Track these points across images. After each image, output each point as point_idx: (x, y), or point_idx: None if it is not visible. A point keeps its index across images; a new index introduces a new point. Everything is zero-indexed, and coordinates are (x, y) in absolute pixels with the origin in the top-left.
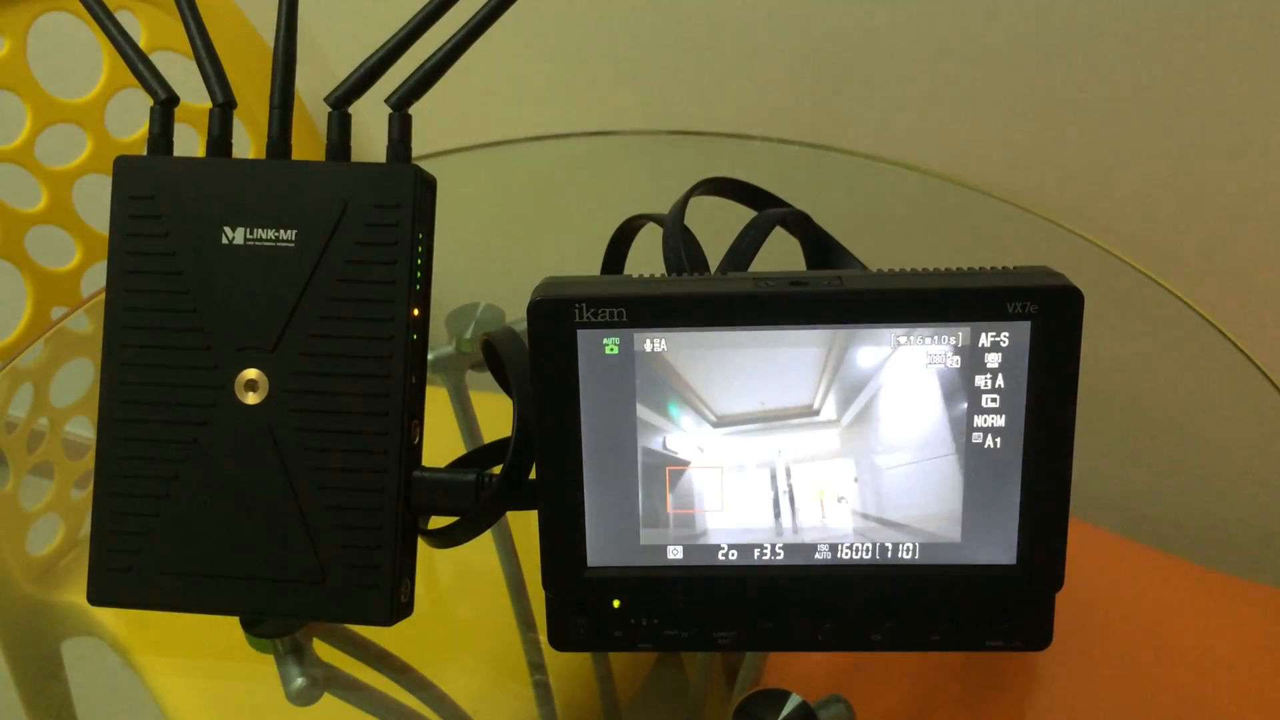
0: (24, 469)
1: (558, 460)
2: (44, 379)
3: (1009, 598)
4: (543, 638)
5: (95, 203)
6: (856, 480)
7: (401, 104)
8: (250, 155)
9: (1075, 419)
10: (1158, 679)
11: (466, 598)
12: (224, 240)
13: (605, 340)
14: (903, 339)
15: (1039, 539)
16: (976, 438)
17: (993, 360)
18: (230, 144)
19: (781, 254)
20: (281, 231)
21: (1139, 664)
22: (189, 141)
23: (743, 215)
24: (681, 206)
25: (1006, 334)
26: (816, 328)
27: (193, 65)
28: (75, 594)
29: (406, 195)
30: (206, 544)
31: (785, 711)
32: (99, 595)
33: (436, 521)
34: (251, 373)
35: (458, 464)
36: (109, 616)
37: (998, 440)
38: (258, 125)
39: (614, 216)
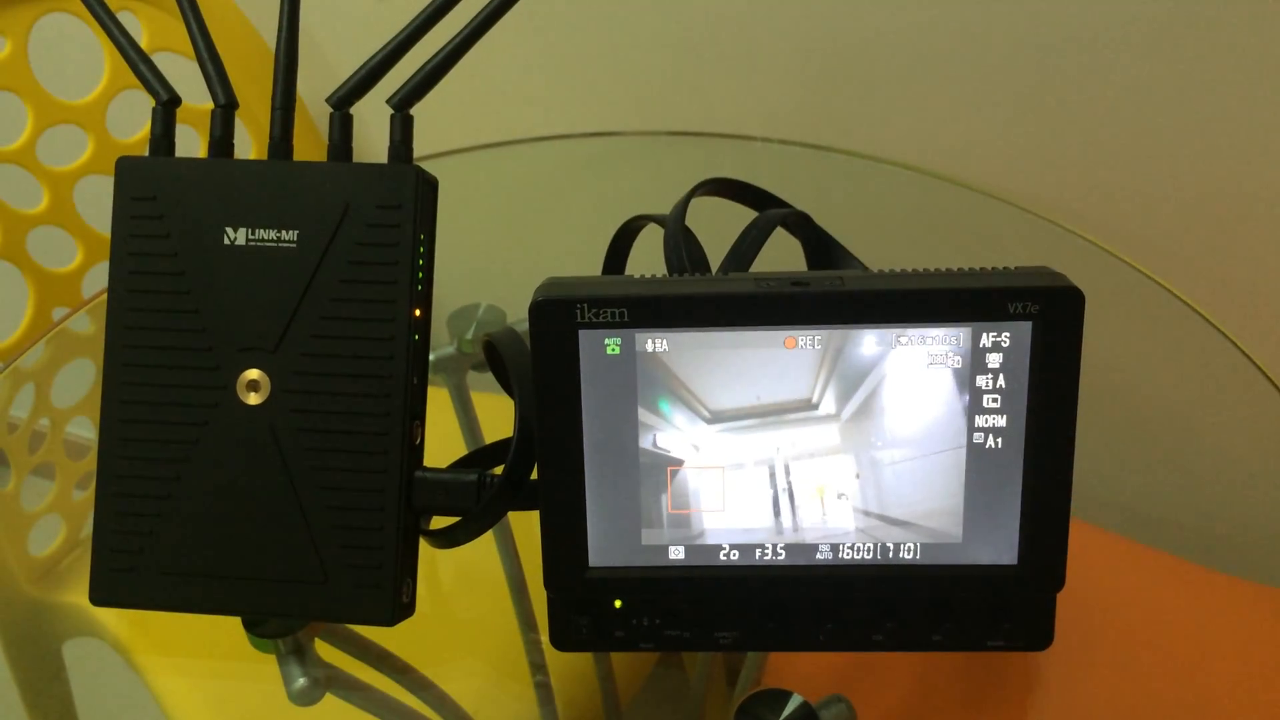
0: (25, 470)
1: (559, 461)
2: (45, 380)
3: (1010, 598)
4: (544, 638)
5: (96, 203)
6: (858, 477)
7: (403, 105)
8: (252, 156)
9: (1076, 419)
10: (1158, 679)
11: (468, 598)
12: (226, 241)
13: (607, 340)
14: (903, 339)
15: (1040, 539)
16: (978, 438)
17: (994, 360)
18: (232, 145)
19: (782, 255)
20: (283, 232)
21: (1140, 664)
22: (190, 142)
23: (744, 216)
24: (683, 207)
25: (1008, 334)
26: (818, 328)
27: (194, 66)
28: (77, 594)
29: (408, 196)
30: (208, 544)
31: (786, 711)
32: (101, 596)
33: (438, 522)
34: (253, 373)
35: (459, 464)
36: (110, 617)
37: (999, 440)
38: (259, 126)
39: (615, 217)
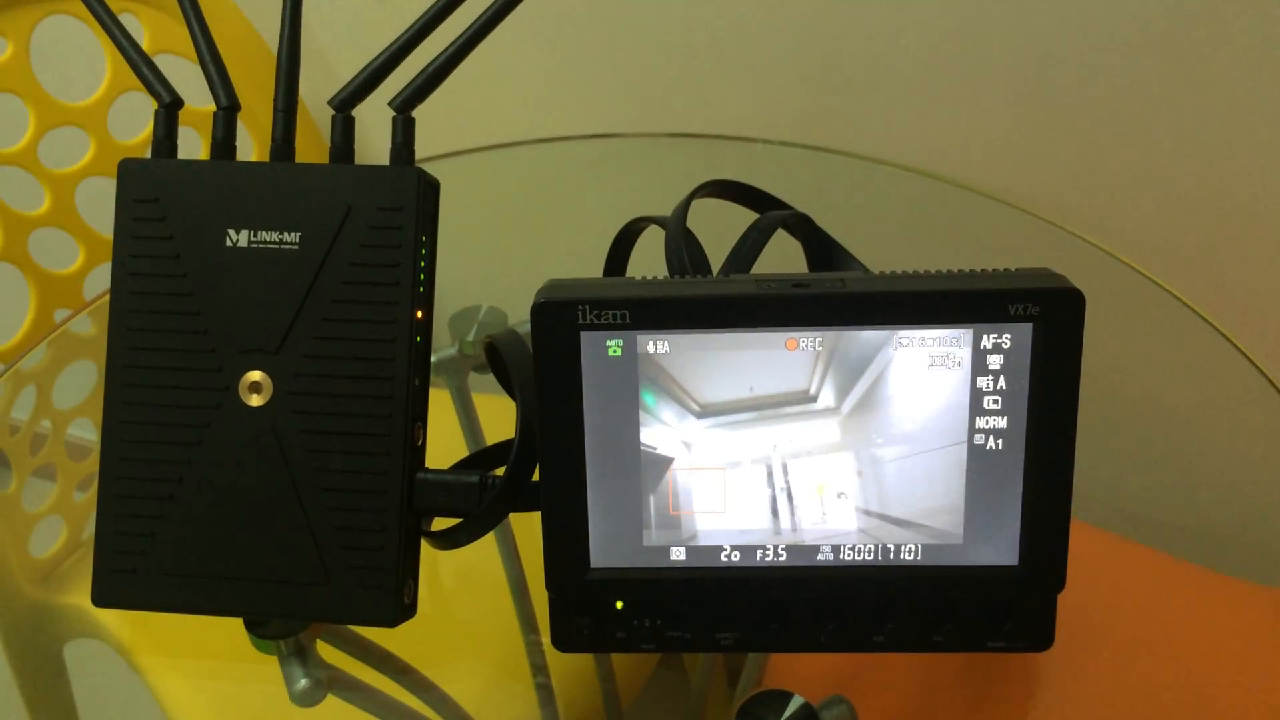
0: (27, 471)
1: (561, 462)
2: (47, 381)
3: (1011, 599)
4: (545, 639)
5: (98, 205)
6: (859, 474)
7: (405, 107)
8: (254, 158)
9: (1077, 420)
10: (1159, 680)
11: (469, 599)
12: (228, 243)
13: (608, 342)
14: (904, 340)
15: (1041, 540)
16: (979, 439)
17: (994, 362)
18: (234, 147)
19: (783, 256)
20: (285, 234)
21: (1140, 665)
22: (192, 144)
23: (744, 217)
24: (684, 209)
25: (1008, 335)
26: (819, 329)
27: (196, 68)
28: (78, 596)
29: (410, 198)
30: (210, 545)
31: (787, 712)
32: (102, 597)
33: (440, 523)
34: (255, 375)
35: (461, 466)
36: (112, 618)
37: (1000, 441)
38: (261, 128)
39: (616, 219)
